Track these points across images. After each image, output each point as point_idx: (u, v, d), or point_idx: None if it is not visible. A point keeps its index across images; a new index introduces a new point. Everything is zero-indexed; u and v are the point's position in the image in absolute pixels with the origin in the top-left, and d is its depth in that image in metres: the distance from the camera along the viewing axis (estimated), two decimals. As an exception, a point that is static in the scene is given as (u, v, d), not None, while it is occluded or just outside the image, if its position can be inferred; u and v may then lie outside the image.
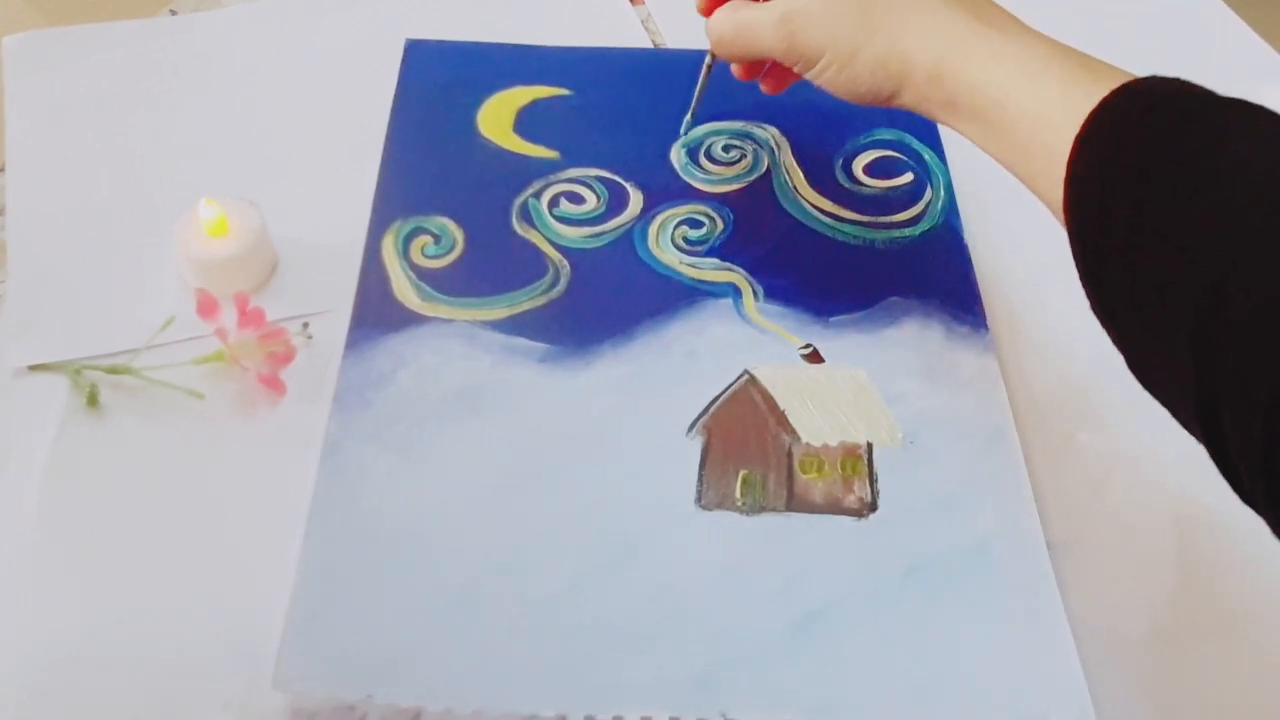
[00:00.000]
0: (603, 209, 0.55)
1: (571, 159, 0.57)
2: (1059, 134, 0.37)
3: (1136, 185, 0.34)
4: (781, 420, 0.48)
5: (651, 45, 0.65)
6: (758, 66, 0.53)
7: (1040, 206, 0.40)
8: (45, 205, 0.54)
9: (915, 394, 0.49)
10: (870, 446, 0.47)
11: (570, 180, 0.56)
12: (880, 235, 0.55)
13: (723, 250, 0.54)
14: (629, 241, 0.54)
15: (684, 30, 0.65)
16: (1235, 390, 0.30)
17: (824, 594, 0.42)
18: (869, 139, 0.60)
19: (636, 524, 0.44)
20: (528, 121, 0.59)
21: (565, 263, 0.53)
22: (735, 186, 0.57)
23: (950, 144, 0.60)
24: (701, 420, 0.48)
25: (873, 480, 0.46)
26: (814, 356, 0.50)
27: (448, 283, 0.51)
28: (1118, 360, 0.36)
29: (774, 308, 0.52)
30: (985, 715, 0.40)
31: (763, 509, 0.45)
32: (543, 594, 0.42)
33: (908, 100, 0.44)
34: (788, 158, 0.59)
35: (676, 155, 0.58)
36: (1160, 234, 0.33)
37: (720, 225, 0.55)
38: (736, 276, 0.53)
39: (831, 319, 0.52)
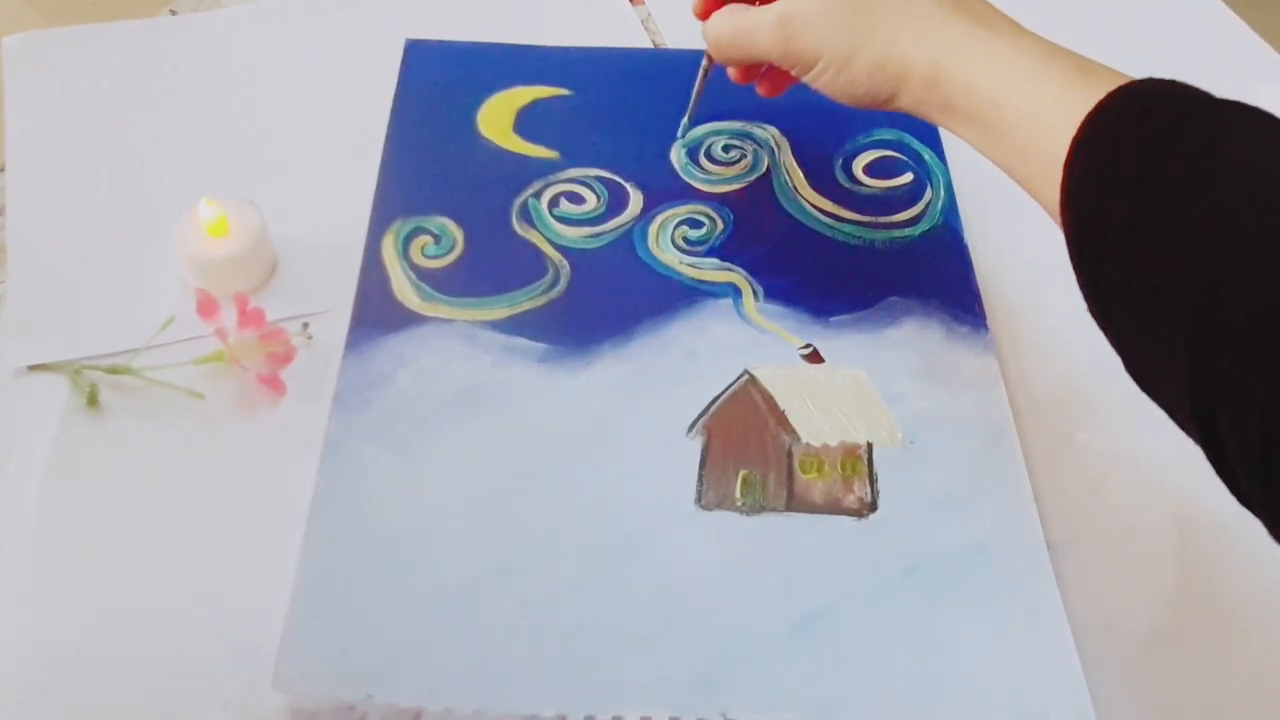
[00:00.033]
0: (603, 209, 0.55)
1: (571, 159, 0.57)
2: (1056, 136, 0.37)
3: (1133, 187, 0.34)
4: (781, 420, 0.48)
5: (651, 45, 0.65)
6: (754, 70, 0.53)
7: (1040, 207, 0.40)
8: (45, 205, 0.54)
9: (915, 394, 0.49)
10: (870, 446, 0.47)
11: (570, 180, 0.56)
12: (880, 235, 0.55)
13: (723, 250, 0.54)
14: (629, 241, 0.54)
15: (684, 30, 0.65)
16: (1231, 392, 0.30)
17: (824, 594, 0.43)
18: (869, 139, 0.60)
19: (636, 524, 0.44)
20: (528, 121, 0.59)
21: (565, 263, 0.53)
22: (735, 186, 0.57)
23: (950, 144, 0.60)
24: (701, 420, 0.48)
25: (873, 480, 0.46)
26: (814, 356, 0.50)
27: (448, 283, 0.51)
28: (1117, 360, 0.36)
29: (774, 308, 0.52)
30: (985, 715, 0.40)
31: (763, 509, 0.45)
32: (543, 594, 0.42)
33: (905, 103, 0.44)
34: (788, 158, 0.59)
35: (676, 155, 0.58)
36: (1156, 236, 0.33)
37: (720, 225, 0.55)
38: (736, 276, 0.53)
39: (831, 319, 0.52)
